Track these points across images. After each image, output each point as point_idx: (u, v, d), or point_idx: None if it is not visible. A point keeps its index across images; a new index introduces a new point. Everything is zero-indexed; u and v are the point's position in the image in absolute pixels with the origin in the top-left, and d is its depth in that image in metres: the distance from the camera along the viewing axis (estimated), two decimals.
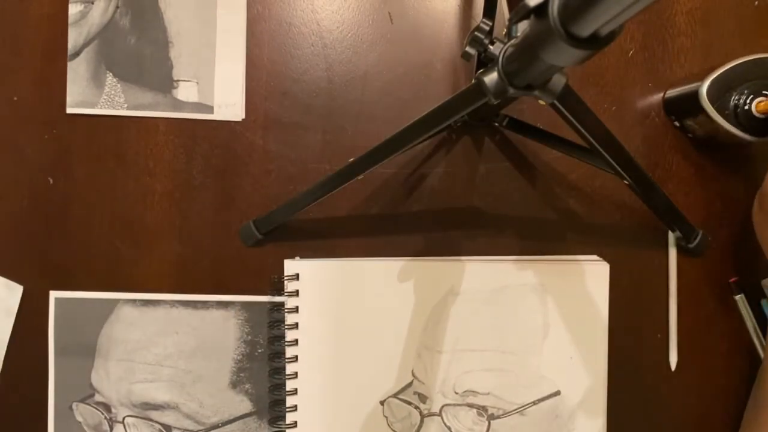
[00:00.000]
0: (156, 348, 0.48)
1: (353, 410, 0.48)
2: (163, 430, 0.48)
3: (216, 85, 0.49)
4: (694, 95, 0.45)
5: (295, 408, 0.48)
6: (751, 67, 0.45)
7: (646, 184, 0.42)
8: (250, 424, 0.48)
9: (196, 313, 0.48)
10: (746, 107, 0.44)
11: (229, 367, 0.48)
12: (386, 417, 0.48)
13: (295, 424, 0.48)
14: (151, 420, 0.48)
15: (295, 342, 0.48)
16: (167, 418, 0.48)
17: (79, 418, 0.48)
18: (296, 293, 0.48)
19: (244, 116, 0.49)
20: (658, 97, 0.51)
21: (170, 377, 0.48)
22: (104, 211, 0.48)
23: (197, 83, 0.49)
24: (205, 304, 0.48)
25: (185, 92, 0.49)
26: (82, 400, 0.48)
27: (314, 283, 0.48)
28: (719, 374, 0.51)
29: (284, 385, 0.48)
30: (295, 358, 0.48)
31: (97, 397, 0.48)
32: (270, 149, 0.49)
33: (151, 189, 0.49)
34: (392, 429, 0.48)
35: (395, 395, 0.48)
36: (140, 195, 0.49)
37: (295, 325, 0.48)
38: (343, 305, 0.48)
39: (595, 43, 0.22)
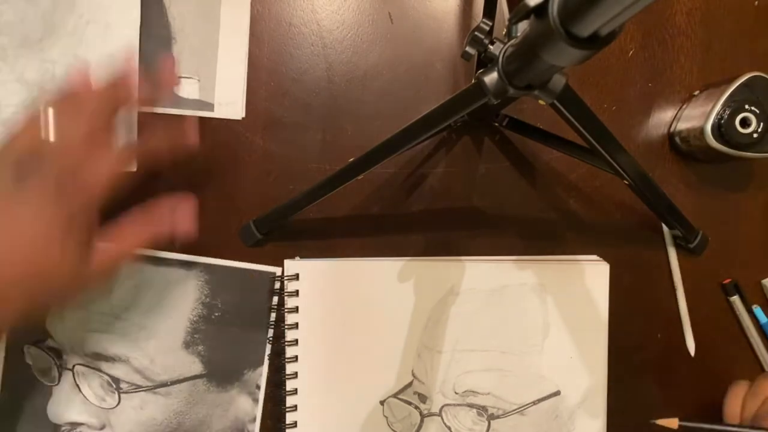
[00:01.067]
0: (113, 299, 0.48)
1: (353, 410, 0.48)
2: (111, 382, 0.48)
3: (217, 82, 0.49)
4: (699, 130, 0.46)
5: (295, 408, 0.48)
6: (743, 88, 0.45)
7: (646, 184, 0.43)
8: (199, 386, 0.48)
9: (157, 270, 0.48)
10: (730, 123, 0.44)
11: (183, 327, 0.48)
12: (386, 417, 0.48)
13: (295, 424, 0.48)
14: (100, 371, 0.48)
15: (295, 342, 0.48)
16: (117, 370, 0.48)
17: (29, 361, 0.48)
18: (296, 293, 0.48)
19: (244, 115, 0.49)
20: (658, 97, 0.51)
21: (124, 330, 0.48)
22: (104, 210, 0.48)
23: (199, 80, 0.49)
24: (167, 261, 0.48)
25: (186, 89, 0.49)
26: (34, 343, 0.48)
27: (314, 283, 0.48)
28: (719, 373, 0.51)
29: (284, 384, 0.48)
30: (295, 358, 0.48)
31: (50, 342, 0.48)
32: (270, 149, 0.49)
33: (151, 189, 0.48)
34: (392, 429, 0.48)
35: (395, 395, 0.48)
36: (140, 195, 0.48)
37: (295, 325, 0.48)
38: (343, 305, 0.48)
39: (595, 43, 0.22)
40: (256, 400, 0.49)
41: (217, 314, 0.48)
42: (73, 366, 0.48)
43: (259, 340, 0.49)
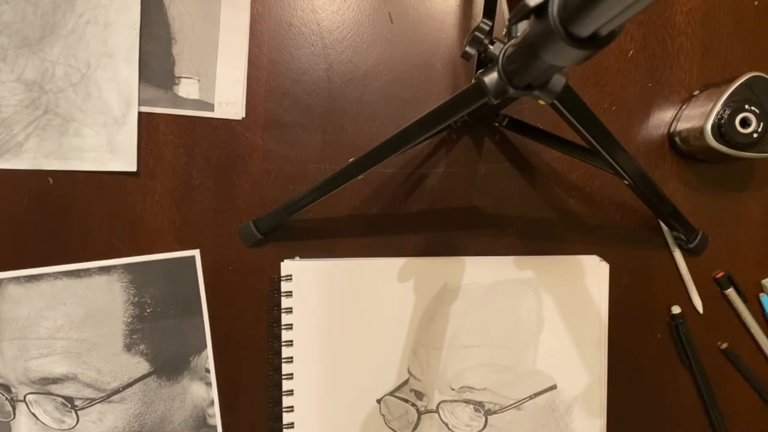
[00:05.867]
0: (46, 322, 0.48)
1: (350, 409, 0.48)
2: (65, 402, 0.48)
3: (217, 83, 0.49)
4: (699, 130, 0.46)
5: (291, 408, 0.48)
6: (743, 88, 0.45)
7: (646, 184, 0.43)
8: (150, 384, 0.49)
9: (80, 282, 0.48)
10: (730, 123, 0.44)
11: (120, 331, 0.48)
12: (383, 415, 0.48)
13: (291, 425, 0.48)
14: (52, 394, 0.48)
15: (290, 343, 0.48)
16: (68, 389, 0.48)
17: None
18: (290, 294, 0.48)
19: (244, 115, 0.49)
20: (658, 97, 0.51)
21: (65, 349, 0.48)
22: (104, 211, 0.48)
23: (199, 80, 0.49)
24: (87, 272, 0.48)
25: (186, 89, 0.49)
26: None
27: (307, 283, 0.48)
28: (720, 370, 0.51)
29: (281, 385, 0.48)
30: (291, 359, 0.48)
31: None
32: (270, 149, 0.49)
33: (151, 189, 0.49)
34: (390, 427, 0.48)
35: (392, 393, 0.48)
36: (140, 195, 0.49)
37: (290, 326, 0.48)
38: (336, 305, 0.48)
39: (595, 43, 0.22)
40: (209, 384, 0.49)
41: (149, 310, 0.49)
42: (25, 396, 0.48)
43: (196, 325, 0.49)
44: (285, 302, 0.48)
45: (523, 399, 0.48)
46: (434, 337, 0.48)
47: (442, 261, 0.49)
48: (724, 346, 0.51)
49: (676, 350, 0.51)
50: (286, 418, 0.48)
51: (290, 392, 0.48)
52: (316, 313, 0.48)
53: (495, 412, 0.48)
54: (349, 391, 0.48)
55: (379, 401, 0.48)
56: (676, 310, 0.50)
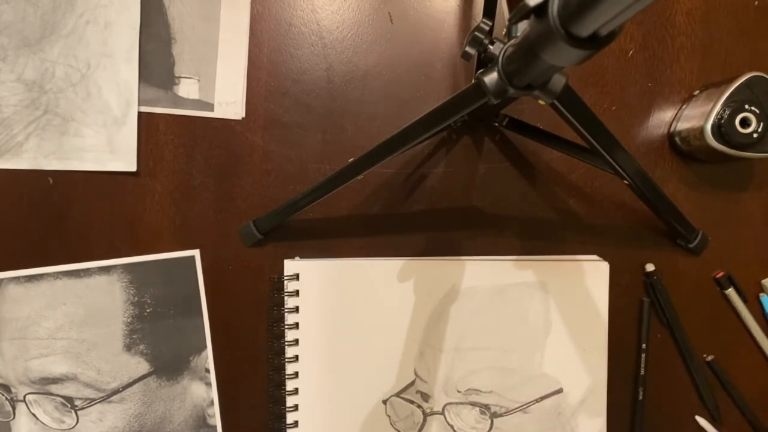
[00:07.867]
0: (46, 322, 0.48)
1: (355, 410, 0.48)
2: (65, 402, 0.48)
3: (217, 82, 0.49)
4: (699, 130, 0.46)
5: (296, 408, 0.48)
6: (743, 88, 0.45)
7: (646, 184, 0.43)
8: (151, 384, 0.49)
9: (80, 282, 0.48)
10: (730, 123, 0.44)
11: (121, 331, 0.48)
12: (389, 416, 0.48)
13: (296, 424, 0.48)
14: (52, 394, 0.48)
15: (296, 342, 0.48)
16: (68, 389, 0.48)
17: None
18: (296, 293, 0.48)
19: (244, 115, 0.49)
20: (658, 97, 0.51)
21: (65, 349, 0.48)
22: (104, 211, 0.48)
23: (198, 80, 0.49)
24: (87, 272, 0.48)
25: (186, 89, 0.49)
26: None
27: (314, 283, 0.48)
28: (722, 370, 0.51)
29: (284, 384, 0.48)
30: (296, 358, 0.48)
31: None
32: (270, 149, 0.49)
33: (151, 189, 0.49)
34: (395, 428, 0.48)
35: (398, 394, 0.48)
36: (140, 195, 0.49)
37: (296, 325, 0.48)
38: (343, 305, 0.48)
39: (595, 43, 0.22)
40: (209, 384, 0.49)
41: (149, 310, 0.49)
42: (24, 396, 0.48)
43: (196, 325, 0.49)
44: (291, 301, 0.48)
45: (530, 402, 0.48)
46: (441, 339, 0.48)
47: (450, 263, 0.49)
48: (710, 358, 0.51)
49: (676, 349, 0.51)
50: (291, 417, 0.48)
51: (294, 391, 0.48)
52: (323, 312, 0.48)
53: (501, 415, 0.48)
54: (355, 392, 0.48)
55: (384, 402, 0.48)
56: (650, 267, 0.50)
